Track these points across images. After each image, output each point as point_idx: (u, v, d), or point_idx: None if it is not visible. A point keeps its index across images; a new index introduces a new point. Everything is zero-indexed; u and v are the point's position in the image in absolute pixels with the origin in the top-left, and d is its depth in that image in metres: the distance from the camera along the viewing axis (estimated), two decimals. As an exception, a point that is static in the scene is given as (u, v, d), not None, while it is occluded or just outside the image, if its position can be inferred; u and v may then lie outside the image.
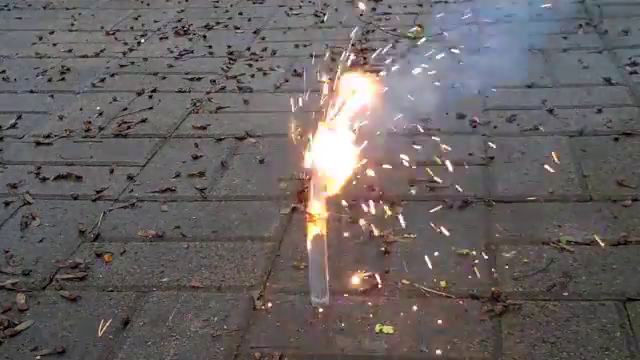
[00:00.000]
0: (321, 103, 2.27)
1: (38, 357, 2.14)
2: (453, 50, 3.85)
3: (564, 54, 4.22)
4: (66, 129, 3.65)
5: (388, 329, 2.15)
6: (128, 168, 3.22)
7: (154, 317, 2.27)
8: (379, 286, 2.34)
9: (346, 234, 2.62)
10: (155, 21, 5.39)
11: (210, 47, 4.75)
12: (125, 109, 3.86)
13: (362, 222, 2.68)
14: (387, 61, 3.87)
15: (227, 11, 5.55)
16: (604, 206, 2.71)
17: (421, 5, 5.35)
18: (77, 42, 5.02)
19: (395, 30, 4.80)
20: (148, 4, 5.89)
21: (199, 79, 4.21)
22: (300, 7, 5.51)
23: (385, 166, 2.80)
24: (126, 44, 4.92)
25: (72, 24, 5.48)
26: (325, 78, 2.43)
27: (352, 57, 3.89)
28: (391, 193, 2.87)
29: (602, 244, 2.48)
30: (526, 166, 3.03)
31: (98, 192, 3.03)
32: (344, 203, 2.79)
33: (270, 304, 2.30)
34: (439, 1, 5.42)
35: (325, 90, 2.32)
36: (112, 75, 4.38)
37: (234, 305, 2.31)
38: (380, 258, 2.49)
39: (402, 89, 3.18)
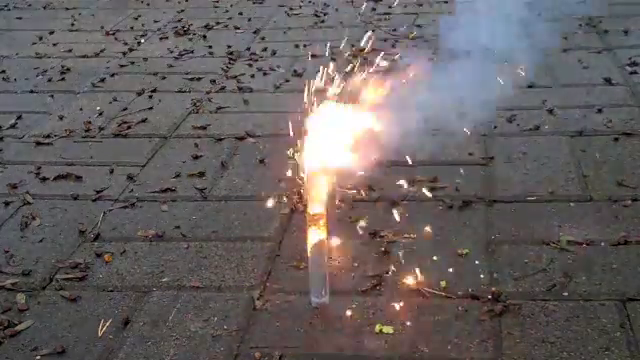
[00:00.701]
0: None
1: (38, 357, 2.15)
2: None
3: (564, 54, 4.23)
4: (66, 129, 3.65)
5: (388, 329, 2.15)
6: (128, 168, 3.22)
7: (154, 317, 2.27)
8: (379, 286, 2.34)
9: (346, 234, 2.62)
10: (155, 21, 5.39)
11: (210, 47, 4.75)
12: (125, 109, 3.86)
13: (362, 222, 2.68)
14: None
15: (227, 11, 5.55)
16: (604, 206, 2.71)
17: (421, 5, 5.35)
18: (77, 42, 5.02)
19: (395, 30, 4.80)
20: (148, 4, 5.89)
21: (199, 79, 4.21)
22: (300, 7, 5.51)
23: (385, 166, 2.81)
24: (126, 44, 4.92)
25: (72, 24, 5.48)
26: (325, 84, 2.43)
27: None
28: (391, 193, 2.87)
29: (602, 244, 2.49)
30: (526, 166, 3.03)
31: (98, 192, 3.04)
32: (344, 203, 2.80)
33: (270, 304, 2.30)
34: (439, 1, 5.43)
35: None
36: (112, 75, 4.38)
37: (234, 305, 2.31)
38: (380, 258, 2.49)
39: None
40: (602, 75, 3.87)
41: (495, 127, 3.39)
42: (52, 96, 4.10)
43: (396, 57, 3.98)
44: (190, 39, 4.95)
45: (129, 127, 3.64)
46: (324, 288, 2.26)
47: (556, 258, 2.43)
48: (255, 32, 5.01)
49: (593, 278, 2.32)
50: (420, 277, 2.37)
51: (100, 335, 2.21)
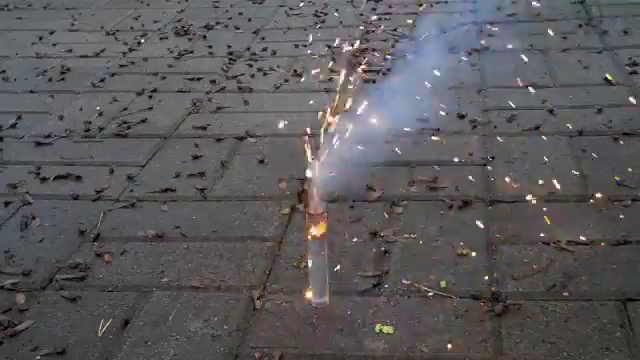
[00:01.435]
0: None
1: (38, 357, 2.15)
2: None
3: (564, 54, 4.23)
4: (66, 129, 3.65)
5: (388, 329, 2.15)
6: (128, 168, 3.22)
7: (154, 317, 2.27)
8: (379, 286, 2.34)
9: (346, 234, 2.62)
10: (155, 21, 5.39)
11: (210, 47, 4.75)
12: (125, 109, 3.86)
13: (362, 222, 2.68)
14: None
15: (227, 11, 5.55)
16: (604, 206, 2.71)
17: (421, 5, 5.35)
18: (77, 42, 5.02)
19: (395, 30, 4.80)
20: (148, 4, 5.89)
21: (199, 79, 4.21)
22: (300, 7, 5.51)
23: (385, 165, 2.81)
24: (126, 44, 4.92)
25: (72, 24, 5.48)
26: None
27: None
28: (391, 193, 2.87)
29: (602, 244, 2.49)
30: (526, 166, 3.03)
31: (98, 192, 3.03)
32: (344, 203, 2.80)
33: (270, 304, 2.30)
34: (439, 1, 5.43)
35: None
36: (112, 75, 4.38)
37: (234, 305, 2.31)
38: (380, 258, 2.49)
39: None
40: (602, 75, 3.87)
41: (495, 127, 3.39)
42: (52, 96, 4.10)
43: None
44: (190, 39, 4.95)
45: (129, 127, 3.63)
46: (324, 288, 2.26)
47: (556, 258, 2.43)
48: (255, 32, 5.01)
49: (593, 278, 2.32)
50: (420, 277, 2.37)
51: (100, 335, 2.21)
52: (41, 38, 5.14)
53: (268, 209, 2.83)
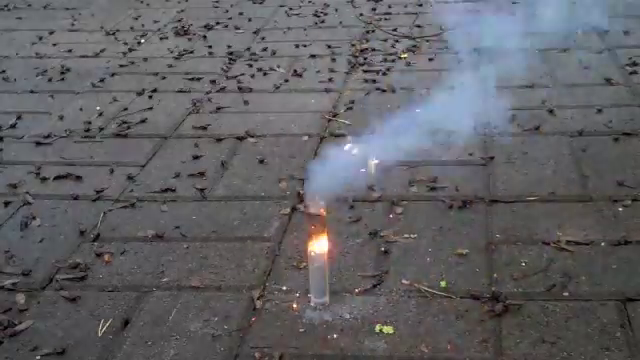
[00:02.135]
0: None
1: (38, 357, 2.14)
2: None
3: (564, 54, 4.22)
4: (66, 129, 3.65)
5: (388, 329, 2.15)
6: (128, 168, 3.22)
7: (154, 317, 2.27)
8: (379, 286, 2.34)
9: (346, 234, 2.62)
10: (155, 21, 5.39)
11: (210, 47, 4.75)
12: (125, 109, 3.86)
13: (362, 222, 2.68)
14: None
15: (227, 11, 5.55)
16: (604, 206, 2.71)
17: (421, 5, 5.35)
18: (77, 42, 5.01)
19: (395, 30, 4.80)
20: (148, 4, 5.88)
21: (199, 79, 4.21)
22: (300, 7, 5.51)
23: (385, 165, 2.81)
24: (126, 44, 4.92)
25: (72, 24, 5.47)
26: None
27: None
28: (391, 193, 2.87)
29: (602, 244, 2.49)
30: (526, 166, 3.03)
31: (98, 192, 3.03)
32: (344, 203, 2.80)
33: (270, 304, 2.30)
34: (439, 1, 5.43)
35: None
36: (112, 75, 4.37)
37: (234, 305, 2.31)
38: (380, 258, 2.49)
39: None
40: (602, 75, 3.87)
41: (495, 127, 3.39)
42: (52, 96, 4.10)
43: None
44: (190, 39, 4.95)
45: (129, 127, 3.63)
46: (324, 288, 2.26)
47: (556, 258, 2.43)
48: (255, 32, 5.01)
49: (593, 278, 2.32)
50: (420, 277, 2.37)
51: (100, 335, 2.21)
52: (41, 38, 5.14)
53: (268, 209, 2.83)
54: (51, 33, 5.25)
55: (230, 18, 5.36)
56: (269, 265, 2.50)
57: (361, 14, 5.22)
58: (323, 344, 2.12)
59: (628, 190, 2.80)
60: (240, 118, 3.68)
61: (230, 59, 4.51)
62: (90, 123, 3.70)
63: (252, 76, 4.22)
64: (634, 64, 3.99)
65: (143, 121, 3.70)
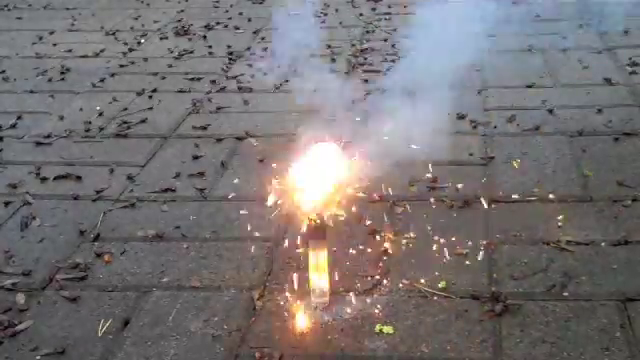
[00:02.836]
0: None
1: (38, 357, 2.14)
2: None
3: (564, 54, 4.23)
4: (66, 129, 3.65)
5: (388, 329, 2.15)
6: (128, 168, 3.22)
7: (154, 317, 2.27)
8: (379, 286, 2.34)
9: (346, 234, 2.62)
10: (155, 21, 5.39)
11: (210, 47, 4.75)
12: (125, 109, 3.86)
13: (362, 222, 2.68)
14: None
15: (227, 11, 5.55)
16: (604, 206, 2.71)
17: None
18: (77, 42, 5.02)
19: (395, 30, 4.80)
20: (148, 4, 5.89)
21: (199, 79, 4.21)
22: (300, 7, 5.50)
23: (385, 165, 2.80)
24: (126, 44, 4.92)
25: (72, 24, 5.48)
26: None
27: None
28: (391, 193, 2.86)
29: (602, 244, 2.49)
30: (526, 166, 3.03)
31: (98, 192, 3.03)
32: (344, 203, 2.79)
33: (270, 304, 2.30)
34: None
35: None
36: (112, 75, 4.38)
37: (234, 305, 2.31)
38: (380, 258, 2.49)
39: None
40: (602, 75, 3.87)
41: (495, 127, 3.39)
42: (52, 96, 4.10)
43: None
44: (190, 39, 4.95)
45: (129, 127, 3.63)
46: (324, 288, 2.26)
47: (556, 258, 2.43)
48: (255, 32, 5.01)
49: (593, 278, 2.32)
50: (420, 277, 2.37)
51: (100, 335, 2.21)
52: (41, 38, 5.14)
53: (268, 209, 2.83)
54: (51, 33, 5.25)
55: (230, 18, 5.36)
56: (269, 265, 2.50)
57: (361, 14, 5.22)
58: (323, 344, 2.12)
59: (628, 190, 2.80)
60: (240, 118, 3.68)
61: (230, 59, 4.51)
62: (90, 123, 3.70)
63: (252, 76, 4.22)
64: (634, 64, 3.99)
65: (143, 121, 3.70)
